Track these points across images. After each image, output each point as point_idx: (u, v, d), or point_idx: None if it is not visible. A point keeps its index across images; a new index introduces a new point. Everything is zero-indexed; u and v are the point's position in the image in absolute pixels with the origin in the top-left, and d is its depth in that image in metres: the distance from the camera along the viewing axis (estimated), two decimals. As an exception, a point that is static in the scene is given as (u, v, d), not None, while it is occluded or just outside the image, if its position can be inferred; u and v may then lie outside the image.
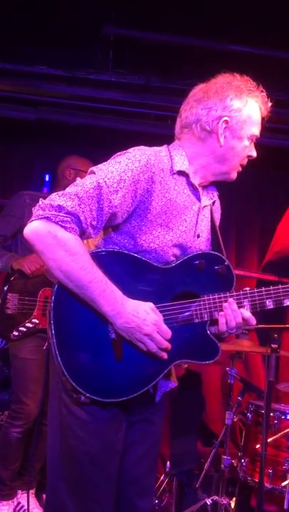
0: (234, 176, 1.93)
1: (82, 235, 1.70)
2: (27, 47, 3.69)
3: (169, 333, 1.72)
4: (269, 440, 3.09)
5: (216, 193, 1.99)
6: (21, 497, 3.19)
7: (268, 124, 3.90)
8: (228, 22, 3.44)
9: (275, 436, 3.15)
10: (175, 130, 1.94)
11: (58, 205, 1.63)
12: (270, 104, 1.90)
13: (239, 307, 1.80)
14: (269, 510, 3.30)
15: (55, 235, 1.62)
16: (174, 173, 1.83)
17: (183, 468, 3.49)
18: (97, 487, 1.75)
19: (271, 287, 1.82)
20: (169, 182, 1.81)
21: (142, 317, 1.68)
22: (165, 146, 1.90)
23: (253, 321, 1.80)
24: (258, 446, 3.18)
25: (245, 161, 1.92)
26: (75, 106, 3.97)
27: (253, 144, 1.90)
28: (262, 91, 1.89)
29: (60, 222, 1.62)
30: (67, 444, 1.75)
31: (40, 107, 3.94)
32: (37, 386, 3.06)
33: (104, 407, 1.74)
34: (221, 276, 1.82)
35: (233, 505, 3.21)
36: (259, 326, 2.91)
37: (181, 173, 1.85)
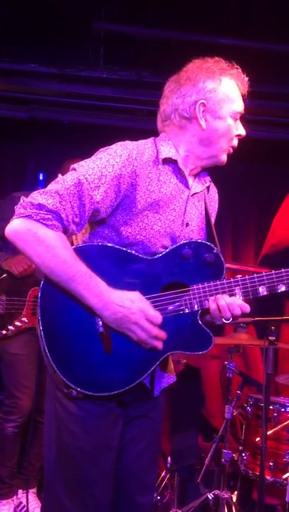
0: (224, 158, 1.89)
1: (66, 232, 1.70)
2: (16, 45, 3.67)
3: (157, 318, 1.70)
4: (269, 433, 3.08)
5: (208, 178, 1.96)
6: (22, 496, 3.19)
7: (264, 117, 3.93)
8: (218, 15, 3.43)
9: (274, 429, 3.15)
10: (157, 126, 1.94)
11: (39, 203, 1.64)
12: (246, 78, 1.88)
13: (230, 295, 1.76)
14: (271, 503, 3.30)
15: (36, 233, 1.63)
16: (159, 163, 1.81)
17: (184, 464, 3.49)
18: (93, 482, 1.74)
19: (264, 273, 1.78)
20: (153, 173, 1.79)
21: (127, 306, 1.67)
22: (152, 138, 1.89)
23: (246, 308, 1.77)
24: (258, 439, 3.18)
25: (234, 142, 1.89)
26: (67, 103, 3.96)
27: (238, 121, 1.87)
28: (237, 68, 1.87)
29: (41, 220, 1.63)
30: (62, 440, 1.75)
31: (32, 105, 3.93)
32: (29, 380, 3.08)
33: (98, 403, 1.73)
34: (210, 265, 1.78)
35: (234, 499, 3.21)
36: (257, 318, 2.91)
37: (168, 160, 1.82)
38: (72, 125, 4.06)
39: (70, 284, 1.66)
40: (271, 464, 3.10)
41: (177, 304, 1.77)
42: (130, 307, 1.67)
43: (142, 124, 3.96)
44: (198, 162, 1.88)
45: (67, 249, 1.67)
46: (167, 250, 1.78)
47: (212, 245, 1.81)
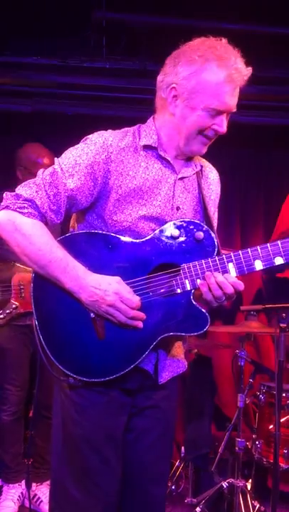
0: (196, 148, 1.78)
1: (45, 219, 1.73)
2: (17, 38, 3.65)
3: (132, 301, 1.67)
4: (282, 420, 3.08)
5: (199, 164, 1.89)
6: (37, 489, 3.23)
7: (269, 103, 3.88)
8: (222, 0, 3.38)
9: (288, 416, 3.15)
10: None
11: (16, 193, 1.71)
12: (246, 71, 1.69)
13: (224, 272, 1.69)
14: (286, 491, 3.30)
15: (14, 222, 1.69)
16: (141, 149, 1.78)
17: (198, 453, 3.49)
18: (96, 471, 1.74)
19: (258, 247, 1.70)
20: (134, 159, 1.77)
21: (103, 288, 1.66)
22: (137, 125, 1.86)
23: (240, 285, 1.69)
24: (271, 427, 3.18)
25: (209, 133, 1.75)
26: (71, 95, 3.94)
27: (220, 117, 1.72)
28: (237, 56, 1.69)
29: (18, 209, 1.69)
30: (65, 429, 1.77)
31: (35, 98, 3.91)
32: (17, 373, 3.19)
33: (98, 391, 1.74)
34: (200, 243, 1.73)
35: (249, 487, 3.22)
36: (267, 306, 2.89)
37: (148, 147, 1.79)
38: (76, 117, 4.03)
39: (47, 270, 1.69)
40: (285, 451, 3.10)
41: (168, 284, 1.73)
42: (106, 289, 1.66)
43: (146, 114, 3.92)
44: (178, 149, 1.81)
45: (44, 236, 1.70)
46: (155, 232, 1.75)
47: (201, 223, 1.76)
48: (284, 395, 3.17)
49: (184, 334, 1.75)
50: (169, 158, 1.81)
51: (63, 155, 1.77)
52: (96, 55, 3.77)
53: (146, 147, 1.79)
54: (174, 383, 1.93)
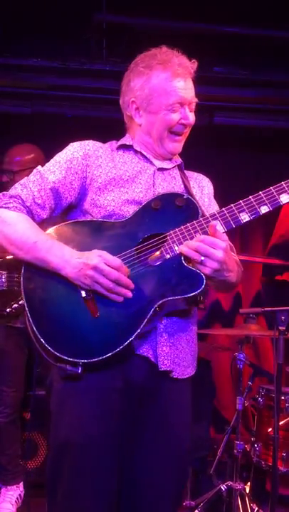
0: (170, 147, 1.89)
1: (31, 214, 1.81)
2: (18, 40, 3.66)
3: (115, 261, 1.66)
4: (281, 423, 3.07)
5: (179, 160, 1.97)
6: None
7: (271, 106, 3.89)
8: (223, 3, 3.39)
9: (287, 419, 3.14)
10: None
11: (3, 193, 1.83)
12: (190, 64, 1.85)
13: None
14: (284, 494, 3.30)
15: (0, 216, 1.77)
16: (118, 150, 1.91)
17: (196, 456, 3.49)
18: (86, 475, 1.71)
19: (241, 201, 1.73)
20: (113, 155, 1.90)
21: (85, 256, 1.68)
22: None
23: (223, 238, 1.67)
24: (270, 430, 3.17)
25: (178, 128, 1.87)
26: (71, 97, 3.95)
27: (184, 109, 1.84)
28: (175, 56, 1.84)
29: (3, 205, 1.78)
30: (57, 430, 1.76)
31: (35, 100, 3.92)
32: (13, 374, 3.21)
33: (97, 392, 1.71)
34: (183, 209, 1.76)
35: (248, 490, 3.21)
36: (266, 308, 2.89)
37: (123, 146, 1.92)
38: (76, 119, 4.04)
39: (33, 253, 1.72)
40: (284, 454, 3.09)
41: (157, 252, 1.73)
42: (88, 256, 1.68)
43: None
44: (154, 151, 1.92)
45: (29, 224, 1.77)
46: (137, 209, 1.79)
47: (181, 192, 1.82)
48: (283, 397, 3.16)
49: (179, 296, 1.70)
50: (146, 153, 1.92)
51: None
52: (96, 57, 3.78)
53: (122, 146, 1.92)
54: (186, 390, 1.92)
